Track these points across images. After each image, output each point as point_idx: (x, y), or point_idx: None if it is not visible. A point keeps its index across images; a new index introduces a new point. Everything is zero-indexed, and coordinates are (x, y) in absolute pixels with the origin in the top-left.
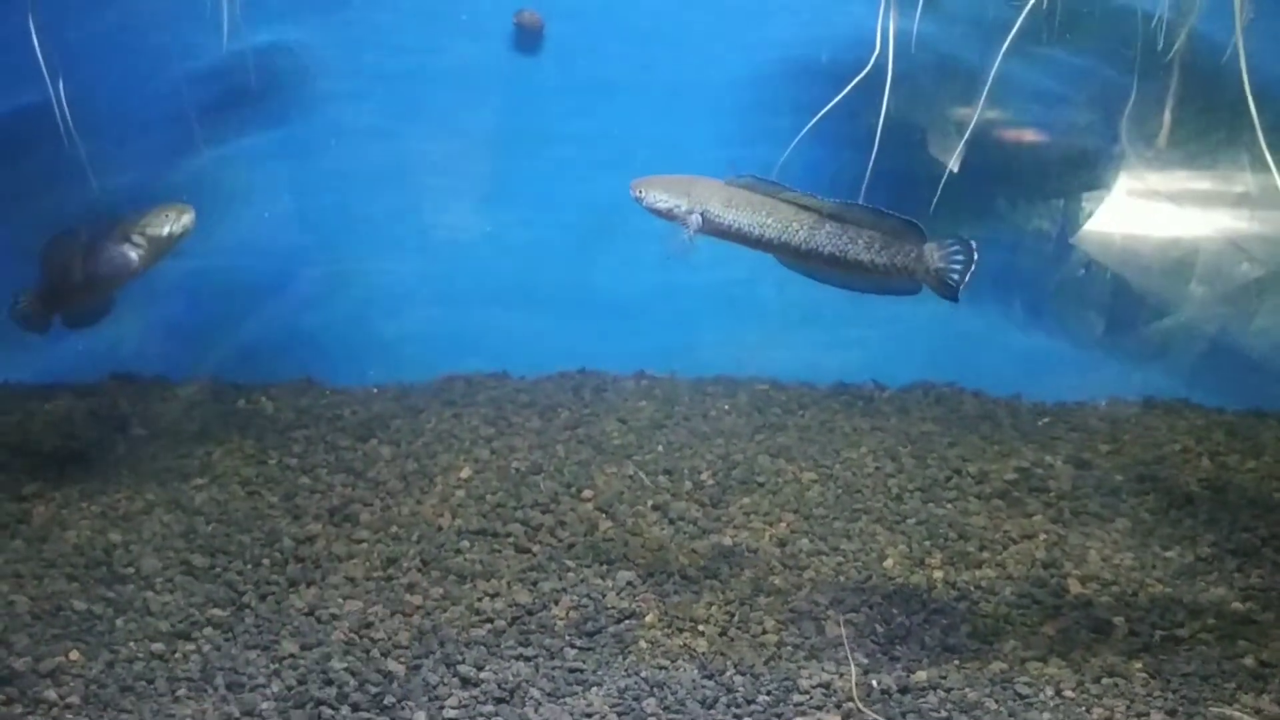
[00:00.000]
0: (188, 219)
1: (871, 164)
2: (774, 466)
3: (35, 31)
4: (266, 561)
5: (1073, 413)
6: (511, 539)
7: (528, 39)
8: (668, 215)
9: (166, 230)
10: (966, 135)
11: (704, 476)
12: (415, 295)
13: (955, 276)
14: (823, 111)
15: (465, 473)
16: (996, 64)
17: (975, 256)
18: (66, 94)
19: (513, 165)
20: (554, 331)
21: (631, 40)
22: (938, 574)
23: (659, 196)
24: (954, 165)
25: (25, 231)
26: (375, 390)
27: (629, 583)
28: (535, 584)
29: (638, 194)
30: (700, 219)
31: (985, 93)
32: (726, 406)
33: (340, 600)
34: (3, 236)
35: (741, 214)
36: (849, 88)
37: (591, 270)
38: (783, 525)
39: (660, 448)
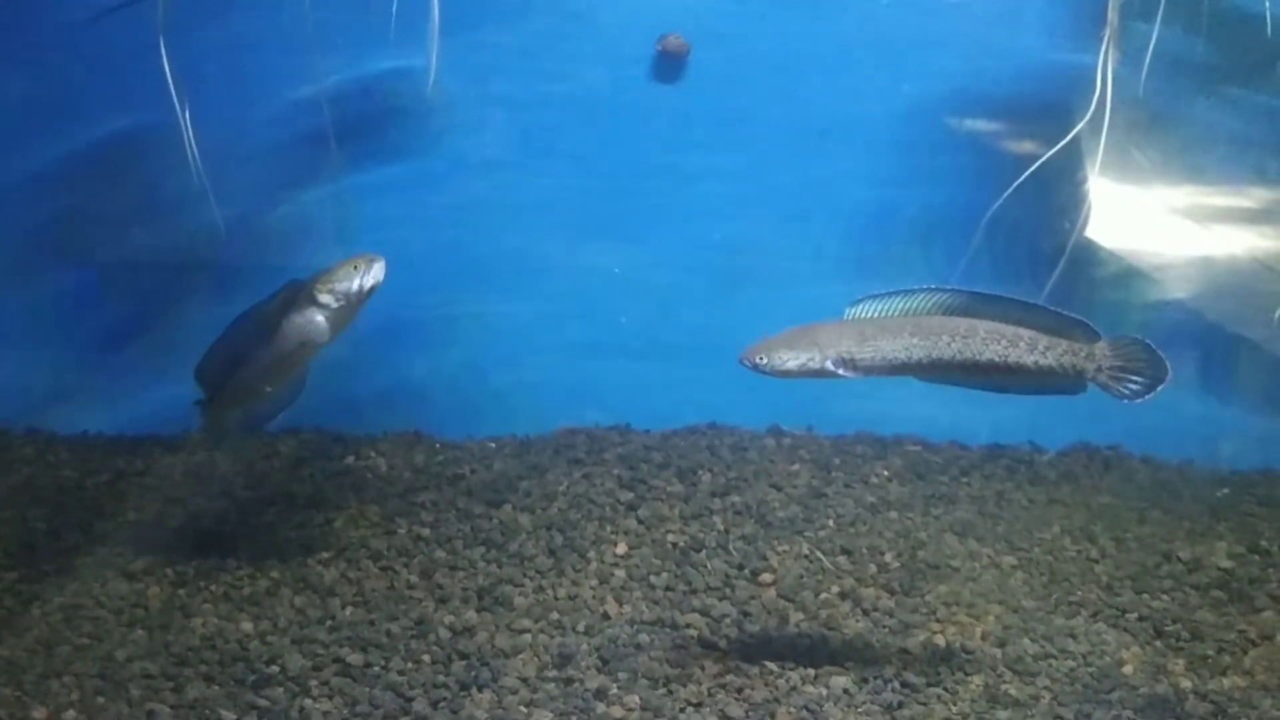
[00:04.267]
0: (378, 269)
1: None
2: (964, 548)
3: (165, 54)
4: (427, 658)
5: (1255, 484)
6: (694, 632)
7: (669, 67)
8: (801, 374)
9: (357, 284)
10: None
11: (887, 558)
12: (533, 342)
13: (1134, 382)
14: (1043, 159)
15: (620, 548)
16: None
17: (1165, 362)
18: (164, 119)
19: (644, 202)
20: (680, 382)
21: (780, 70)
22: (1185, 683)
23: (784, 357)
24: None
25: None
26: (491, 445)
27: (845, 690)
28: (740, 691)
29: (757, 361)
30: (838, 364)
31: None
32: (885, 472)
33: (523, 709)
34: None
35: (883, 343)
36: (1072, 134)
37: (724, 317)
38: (991, 619)
39: (830, 522)
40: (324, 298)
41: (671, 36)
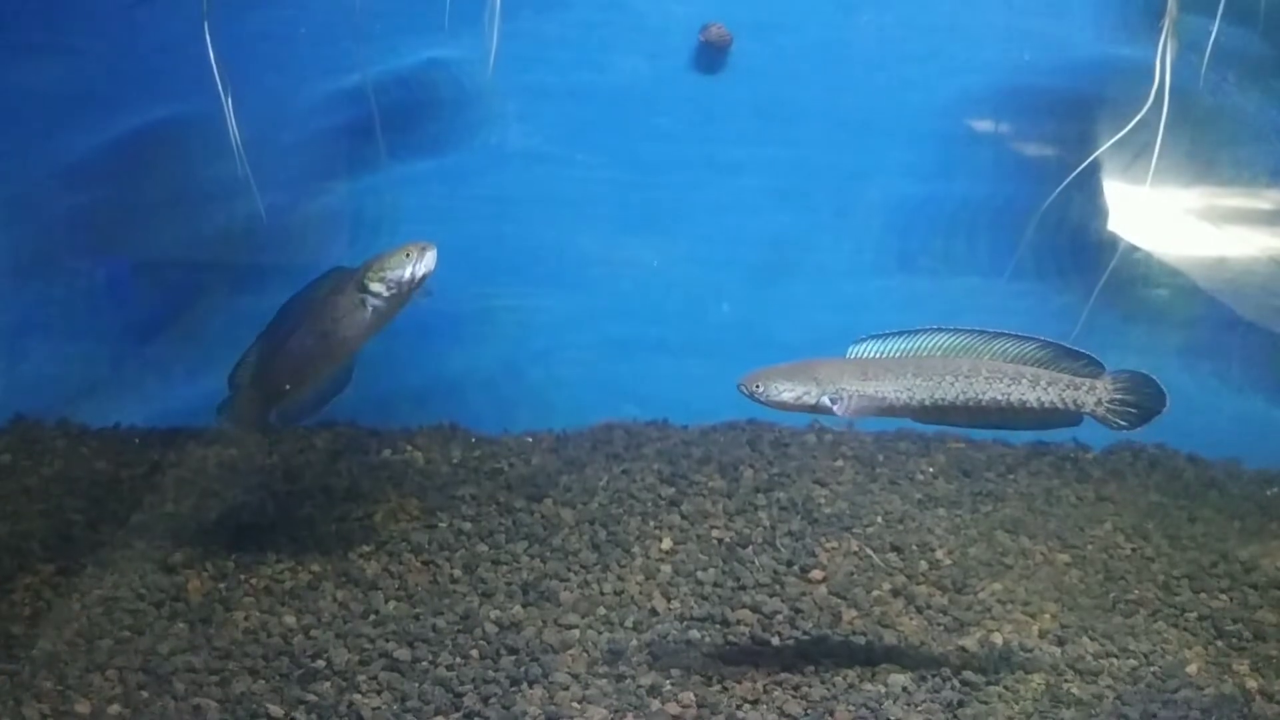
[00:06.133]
0: (430, 257)
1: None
2: (1016, 545)
3: (210, 42)
4: (475, 653)
5: None
6: (746, 629)
7: (711, 57)
8: (796, 407)
9: (409, 272)
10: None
11: (938, 555)
12: (570, 336)
13: (1134, 413)
14: (1098, 152)
15: (665, 544)
16: None
17: (1165, 395)
18: (199, 109)
19: (684, 196)
20: (718, 377)
21: (823, 61)
22: (1251, 683)
23: (780, 388)
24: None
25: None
26: (528, 439)
27: (904, 688)
28: (797, 688)
29: (754, 390)
30: (834, 400)
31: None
32: (930, 469)
33: (576, 705)
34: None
35: (884, 383)
36: (1129, 126)
37: (763, 311)
38: (1048, 617)
39: (879, 519)
40: (375, 286)
41: (714, 27)
